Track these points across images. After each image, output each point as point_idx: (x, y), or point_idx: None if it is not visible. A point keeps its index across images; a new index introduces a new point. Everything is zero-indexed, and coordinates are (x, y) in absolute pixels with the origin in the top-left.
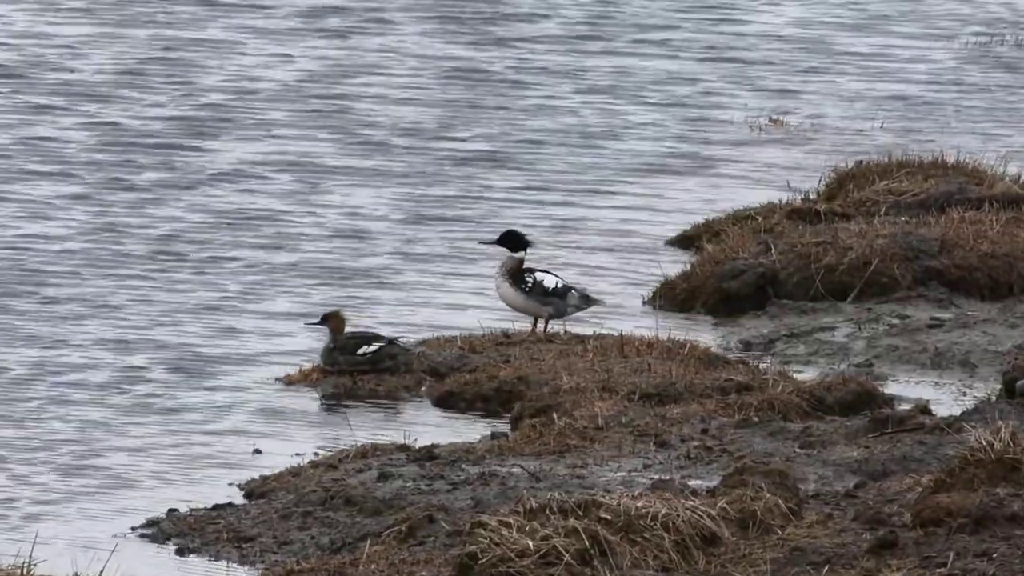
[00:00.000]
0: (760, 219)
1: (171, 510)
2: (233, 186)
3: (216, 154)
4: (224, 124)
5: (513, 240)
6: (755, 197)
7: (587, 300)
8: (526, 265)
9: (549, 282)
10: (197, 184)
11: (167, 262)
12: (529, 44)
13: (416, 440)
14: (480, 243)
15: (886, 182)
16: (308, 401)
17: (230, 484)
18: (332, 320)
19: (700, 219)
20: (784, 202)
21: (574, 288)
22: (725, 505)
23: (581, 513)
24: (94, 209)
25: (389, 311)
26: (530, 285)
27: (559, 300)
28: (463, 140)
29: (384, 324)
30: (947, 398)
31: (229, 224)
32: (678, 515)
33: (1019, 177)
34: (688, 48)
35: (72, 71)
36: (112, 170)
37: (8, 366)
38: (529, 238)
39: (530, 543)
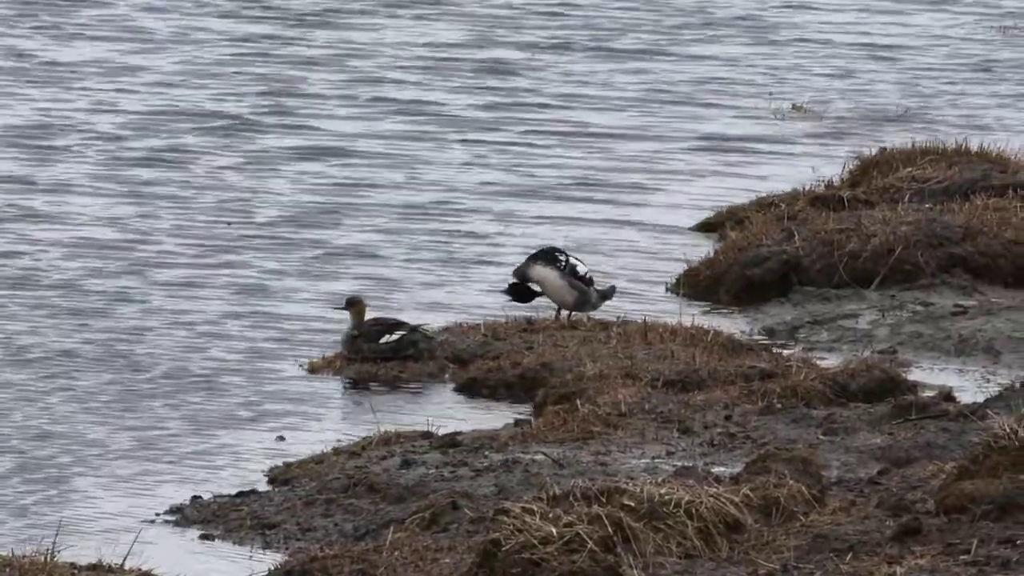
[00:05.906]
0: (783, 206)
1: (195, 497)
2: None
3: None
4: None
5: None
6: (778, 184)
7: (604, 297)
8: (555, 246)
9: (581, 269)
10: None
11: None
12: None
13: (439, 427)
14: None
15: (910, 169)
16: (331, 388)
17: (253, 471)
18: (356, 305)
19: (723, 206)
20: (807, 189)
21: (594, 282)
22: (748, 492)
23: (604, 500)
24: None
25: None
26: (563, 264)
27: (586, 288)
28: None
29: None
30: (971, 385)
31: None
32: (701, 502)
33: None
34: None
35: None
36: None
37: (28, 349)
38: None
39: (553, 530)
